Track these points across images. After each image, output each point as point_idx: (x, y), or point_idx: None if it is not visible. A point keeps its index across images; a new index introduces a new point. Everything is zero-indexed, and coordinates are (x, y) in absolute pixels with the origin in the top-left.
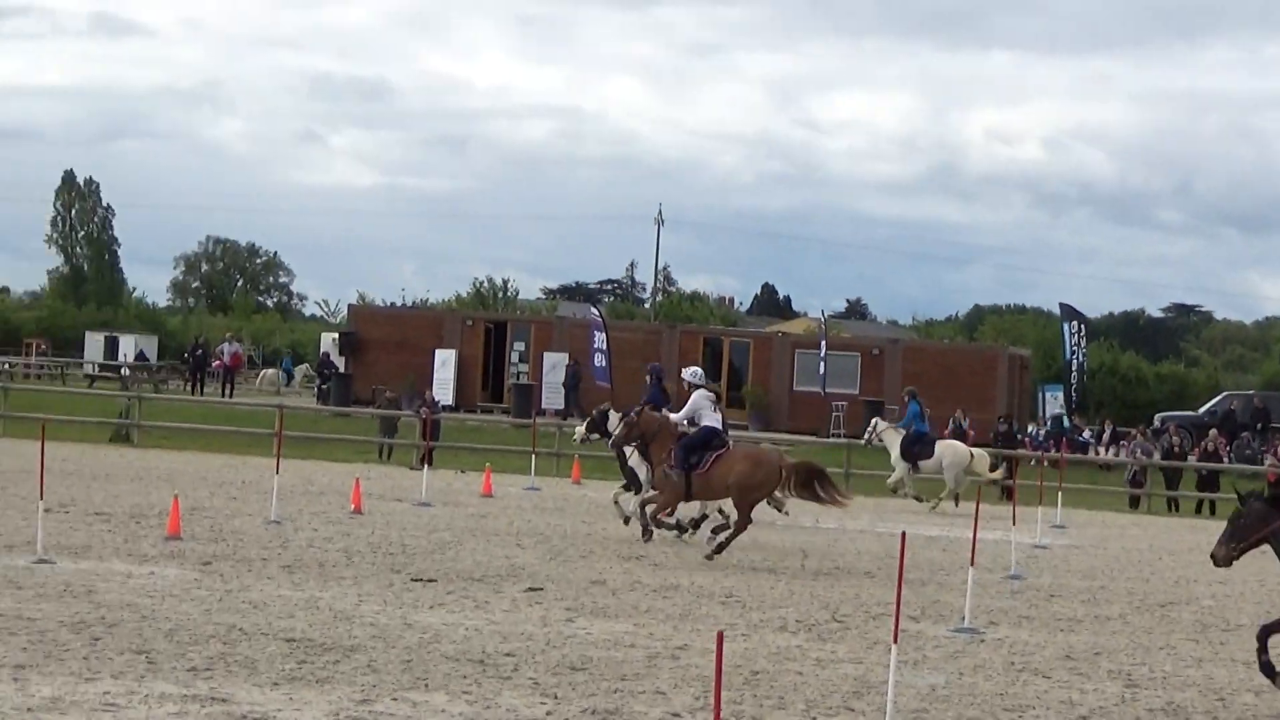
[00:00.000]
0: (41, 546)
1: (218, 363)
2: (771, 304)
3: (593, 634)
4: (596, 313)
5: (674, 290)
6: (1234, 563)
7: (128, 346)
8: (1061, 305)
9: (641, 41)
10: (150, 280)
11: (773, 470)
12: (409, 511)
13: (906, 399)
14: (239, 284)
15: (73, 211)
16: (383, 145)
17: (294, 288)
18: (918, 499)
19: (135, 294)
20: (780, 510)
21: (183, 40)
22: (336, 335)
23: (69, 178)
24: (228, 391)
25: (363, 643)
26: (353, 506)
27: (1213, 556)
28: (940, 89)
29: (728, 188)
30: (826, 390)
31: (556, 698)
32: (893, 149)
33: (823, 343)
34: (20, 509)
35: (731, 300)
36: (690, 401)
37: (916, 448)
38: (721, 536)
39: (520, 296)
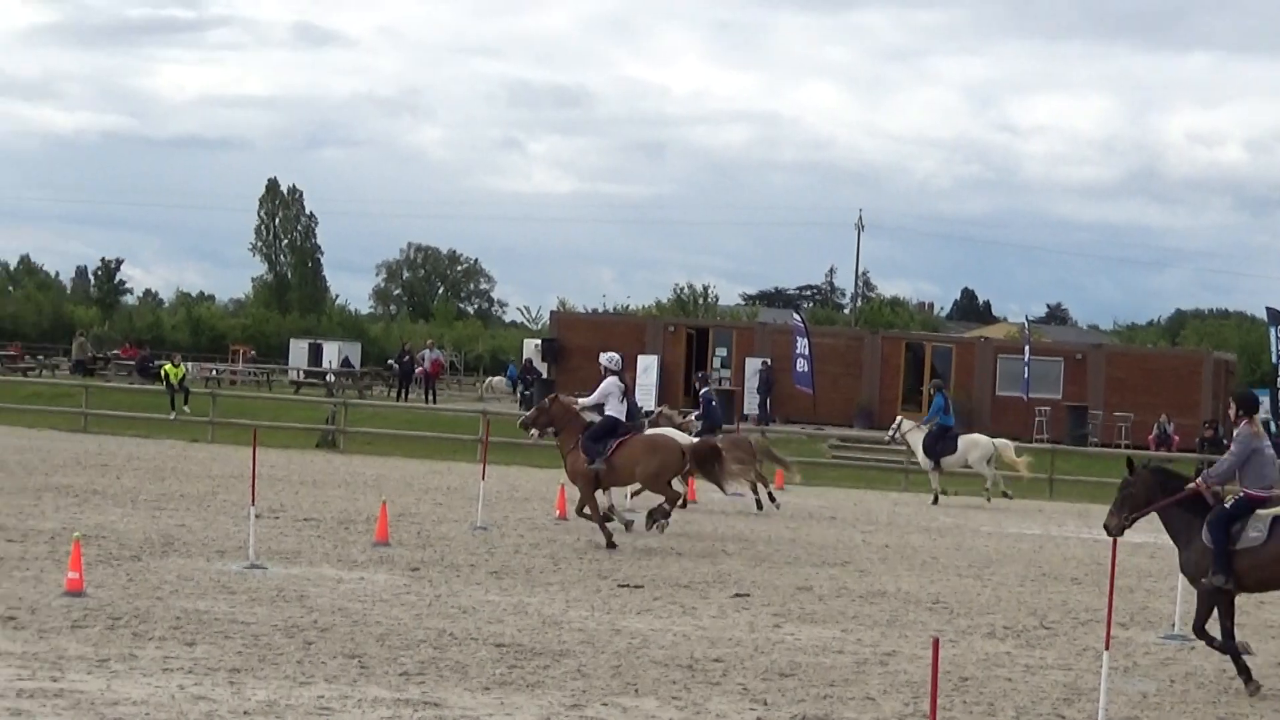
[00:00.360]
0: (253, 552)
1: (419, 369)
2: (971, 309)
3: (800, 640)
4: (799, 319)
5: (874, 295)
6: (1125, 531)
7: (331, 353)
8: (1268, 309)
9: (839, 46)
10: (352, 287)
11: (673, 453)
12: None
13: (932, 392)
14: (440, 291)
15: (276, 219)
16: (581, 152)
17: (494, 294)
18: (941, 494)
19: (338, 301)
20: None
21: (383, 49)
22: (539, 342)
23: (273, 186)
24: (430, 398)
25: (572, 648)
26: (557, 512)
27: (1105, 526)
28: (1139, 91)
29: (926, 192)
30: (1029, 395)
31: (766, 703)
32: (1091, 152)
33: (1026, 348)
34: (231, 515)
35: (931, 305)
36: (600, 387)
37: (940, 444)
38: (660, 515)
39: (720, 303)
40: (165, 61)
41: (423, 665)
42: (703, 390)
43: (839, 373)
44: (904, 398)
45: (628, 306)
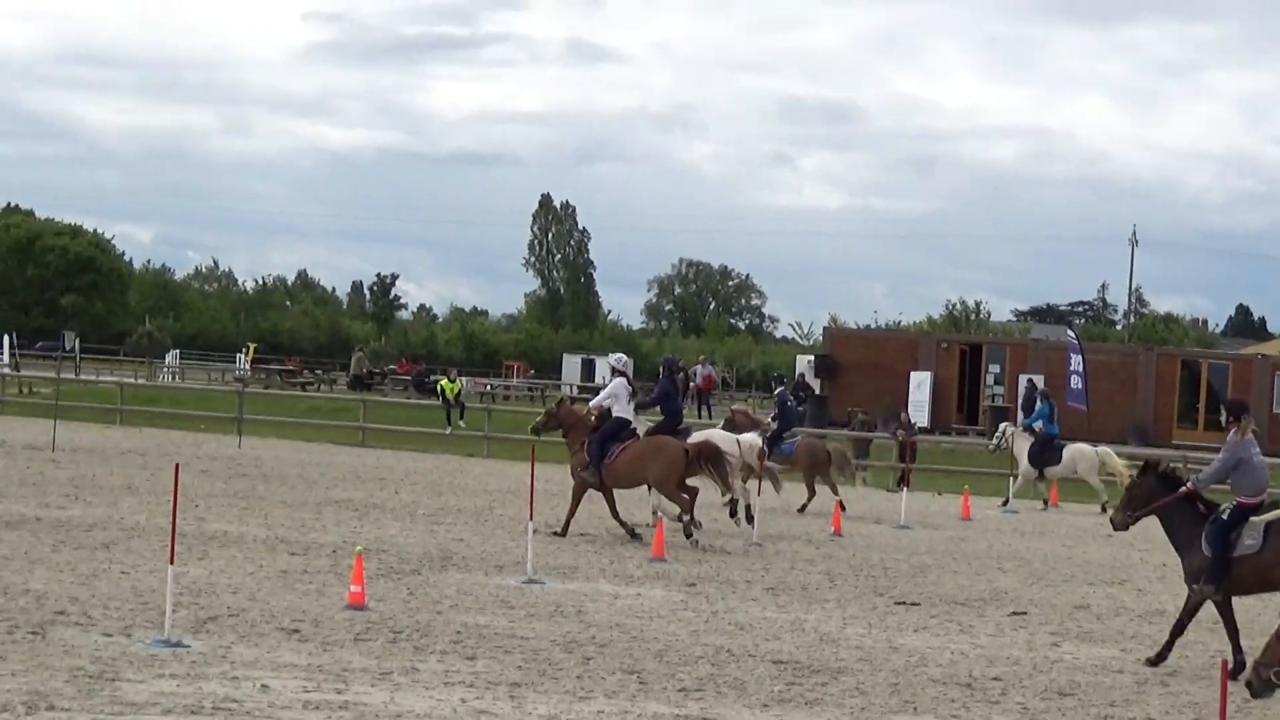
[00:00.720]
0: (531, 567)
1: (692, 385)
2: (1246, 325)
3: (1079, 659)
4: (1072, 335)
5: (1147, 312)
6: (1129, 527)
7: (604, 369)
8: None
9: (1111, 60)
10: (624, 302)
11: (677, 454)
12: (888, 534)
13: (1039, 399)
14: (711, 306)
15: (549, 235)
16: (852, 167)
17: (765, 310)
18: (1045, 504)
19: (609, 316)
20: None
21: (655, 65)
22: (812, 358)
23: (546, 201)
24: (703, 413)
25: (849, 665)
26: (833, 529)
27: (1111, 521)
28: None
29: (1199, 207)
30: None
31: None
32: None
33: None
34: (509, 529)
35: (1205, 321)
36: (608, 388)
37: (1045, 454)
38: (684, 520)
39: (992, 318)
40: (440, 78)
41: (701, 681)
42: (778, 391)
43: (1113, 390)
44: (1180, 415)
45: (899, 322)
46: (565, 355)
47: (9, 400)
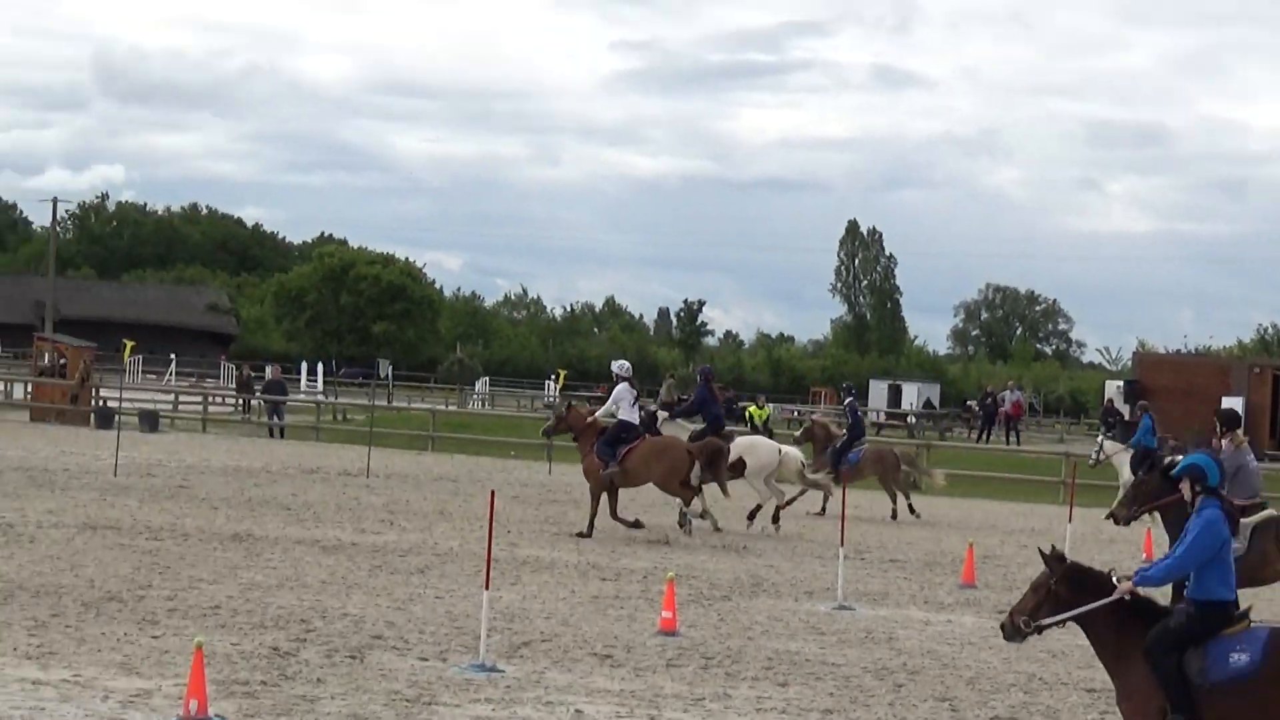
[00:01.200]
0: (841, 593)
1: (1001, 410)
2: None
3: None
4: None
5: None
6: (1131, 522)
7: (911, 394)
8: None
9: None
10: (930, 328)
11: (681, 456)
12: None
13: (1139, 414)
14: (1018, 331)
15: (856, 260)
16: (1160, 190)
17: (1072, 335)
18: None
19: (916, 342)
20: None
21: (961, 90)
22: (1121, 383)
23: (853, 227)
24: (1010, 439)
25: None
26: (1145, 555)
27: (1114, 515)
28: None
29: None
30: None
31: None
32: None
33: None
34: (819, 555)
35: None
36: (613, 394)
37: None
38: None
39: None
40: (746, 105)
41: (1014, 710)
42: (847, 400)
43: None
44: None
45: (1209, 347)
46: (872, 380)
47: (324, 427)
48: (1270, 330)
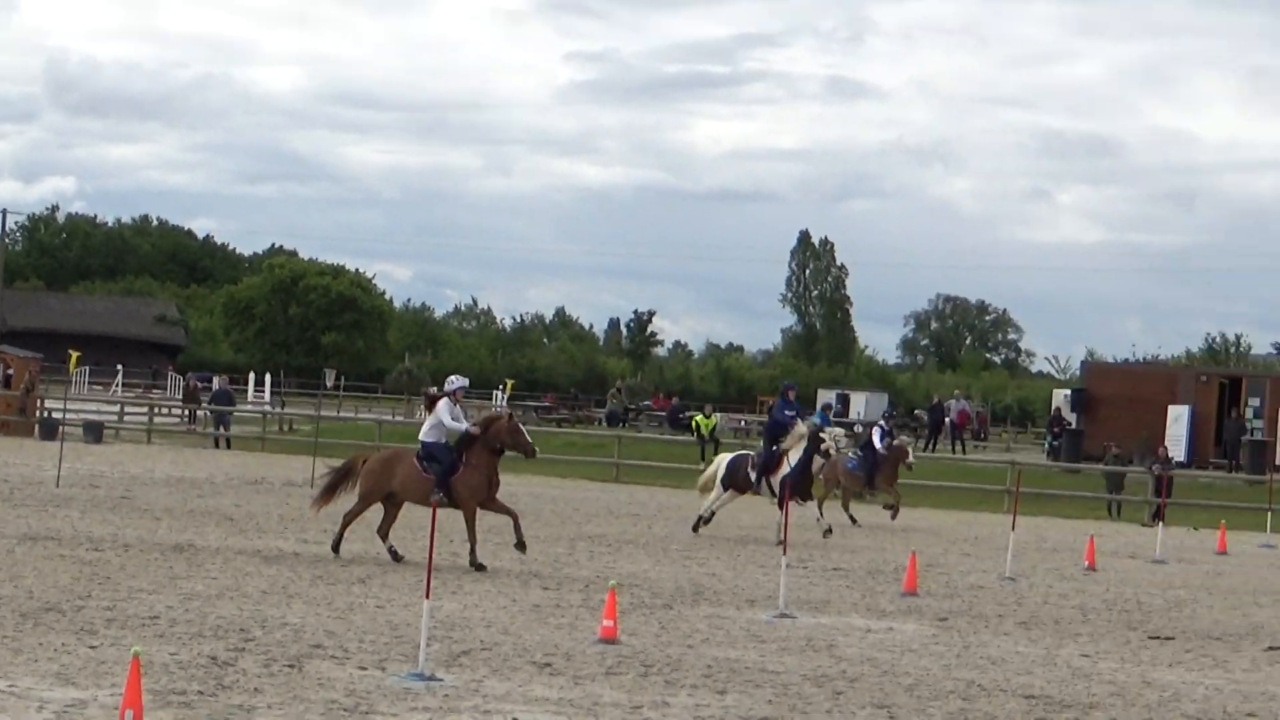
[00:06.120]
0: (783, 601)
1: (946, 420)
2: None
3: None
4: None
5: None
6: None
7: (858, 404)
8: None
9: None
10: (880, 338)
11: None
12: (1143, 568)
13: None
14: (967, 341)
15: (807, 271)
16: (1110, 201)
17: (1022, 344)
18: None
19: (865, 352)
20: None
21: (913, 101)
22: (1068, 392)
23: (804, 238)
24: (957, 448)
25: (1102, 700)
26: (1086, 563)
27: None
28: None
29: None
30: None
31: None
32: None
33: None
34: (761, 564)
35: None
36: (435, 410)
37: None
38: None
39: (1253, 352)
40: (700, 116)
41: (952, 716)
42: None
43: None
44: None
45: (1157, 356)
46: (820, 390)
47: (270, 438)
48: (1218, 340)
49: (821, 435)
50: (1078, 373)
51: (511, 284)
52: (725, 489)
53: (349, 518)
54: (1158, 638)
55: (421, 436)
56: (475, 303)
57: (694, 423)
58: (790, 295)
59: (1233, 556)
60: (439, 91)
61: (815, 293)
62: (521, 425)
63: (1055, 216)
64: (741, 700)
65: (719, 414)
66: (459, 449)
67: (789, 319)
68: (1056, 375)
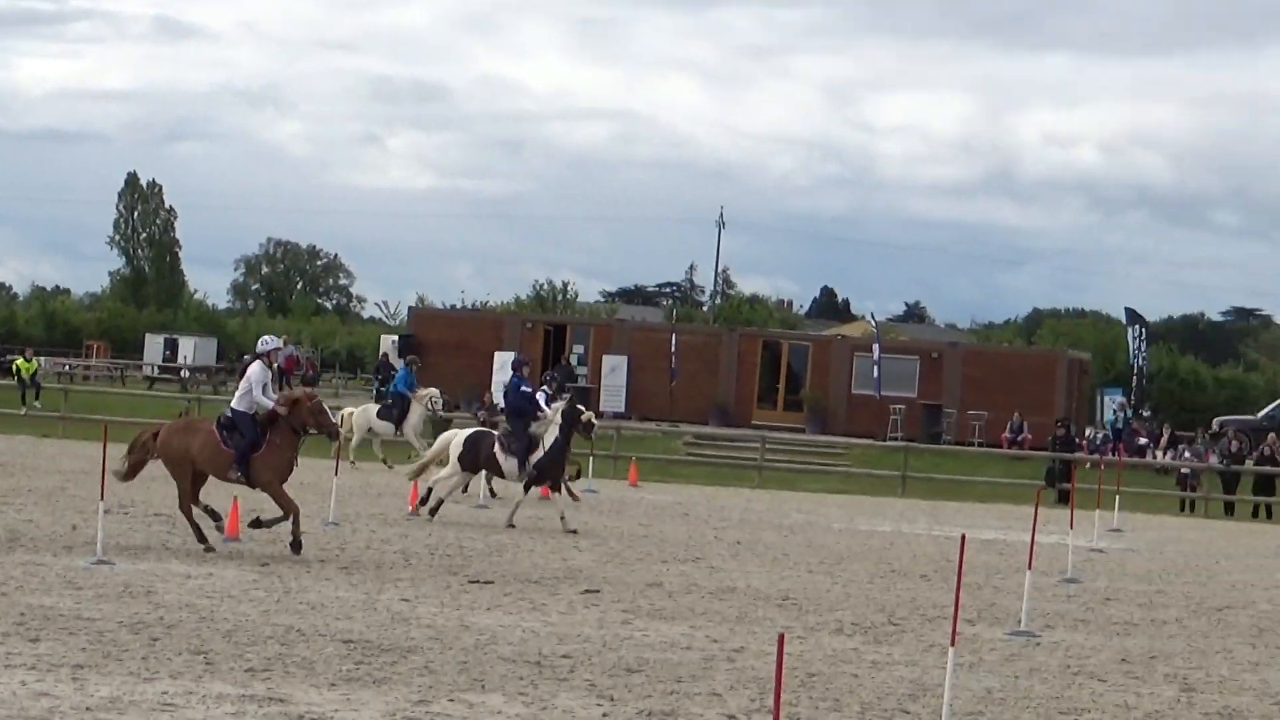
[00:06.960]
0: (101, 547)
1: (275, 366)
2: (830, 307)
3: (649, 636)
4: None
5: (733, 293)
6: None
7: (187, 349)
8: (1126, 309)
9: (698, 43)
10: (210, 282)
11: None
12: (466, 513)
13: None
14: (299, 286)
15: (135, 213)
16: (440, 148)
17: (353, 290)
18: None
19: (195, 296)
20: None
21: (242, 43)
22: (396, 338)
23: (132, 180)
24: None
25: (420, 644)
26: (410, 508)
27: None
28: (996, 92)
29: (784, 190)
30: (882, 393)
31: (613, 699)
32: (949, 152)
33: (875, 346)
34: (80, 510)
35: (790, 303)
36: (246, 375)
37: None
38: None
39: (579, 299)
40: (24, 54)
41: (269, 661)
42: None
43: (697, 370)
44: (760, 396)
45: (486, 303)
46: (148, 335)
47: None
48: (546, 286)
49: (579, 408)
50: (406, 319)
51: None
52: (464, 468)
53: (188, 508)
54: (477, 582)
55: (234, 404)
56: None
57: (15, 366)
58: (118, 238)
59: (556, 501)
60: None
61: (144, 235)
62: (326, 406)
63: (386, 162)
64: (55, 648)
65: (41, 358)
66: (262, 426)
67: (117, 261)
68: (387, 321)
